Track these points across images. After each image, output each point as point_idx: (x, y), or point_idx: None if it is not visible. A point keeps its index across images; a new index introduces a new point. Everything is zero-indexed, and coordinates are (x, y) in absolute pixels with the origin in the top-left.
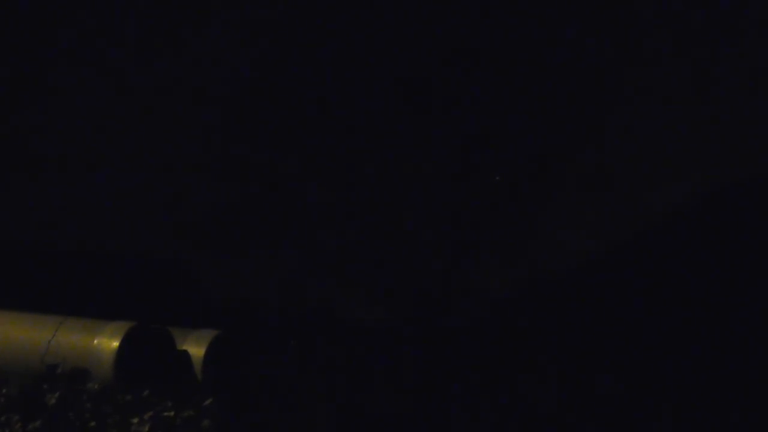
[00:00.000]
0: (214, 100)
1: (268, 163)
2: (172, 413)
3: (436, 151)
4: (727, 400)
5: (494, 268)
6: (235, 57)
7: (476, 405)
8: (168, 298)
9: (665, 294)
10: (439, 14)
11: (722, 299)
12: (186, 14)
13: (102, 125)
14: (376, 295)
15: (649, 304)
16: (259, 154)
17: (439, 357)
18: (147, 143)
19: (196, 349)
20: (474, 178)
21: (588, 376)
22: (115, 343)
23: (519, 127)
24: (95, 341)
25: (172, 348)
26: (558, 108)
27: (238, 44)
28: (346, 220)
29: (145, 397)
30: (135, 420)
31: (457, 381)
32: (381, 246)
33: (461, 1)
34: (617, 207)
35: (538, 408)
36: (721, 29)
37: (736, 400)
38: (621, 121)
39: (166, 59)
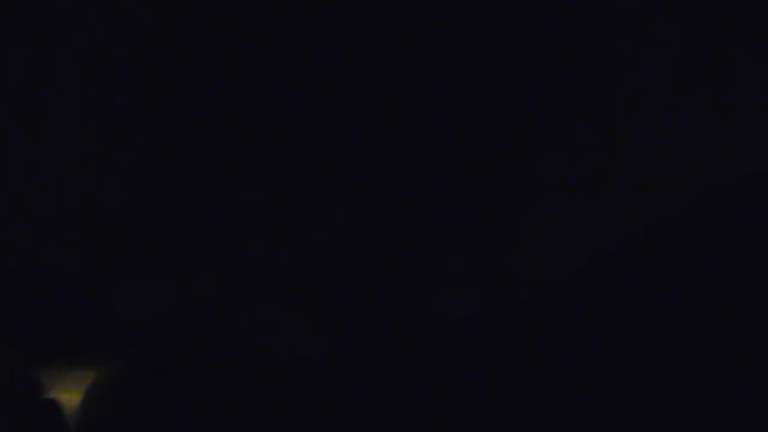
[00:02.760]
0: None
1: (174, 161)
2: None
3: (388, 141)
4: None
5: (464, 284)
6: (118, 57)
7: None
8: (41, 324)
9: (663, 317)
10: None
11: (726, 322)
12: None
13: None
14: (317, 321)
15: (644, 327)
16: (161, 151)
17: (394, 395)
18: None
19: (70, 395)
20: (438, 173)
21: (575, 410)
22: None
23: (491, 114)
24: None
25: (36, 394)
26: (536, 94)
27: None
28: (277, 228)
29: None
30: None
31: (421, 425)
32: (323, 259)
33: None
34: (609, 214)
35: None
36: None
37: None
38: (612, 113)
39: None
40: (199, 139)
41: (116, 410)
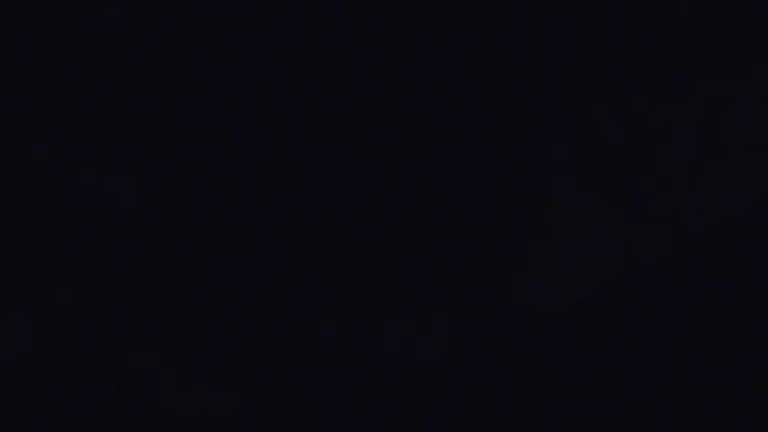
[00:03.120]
0: None
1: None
2: None
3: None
4: None
5: (428, 320)
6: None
7: None
8: None
9: (657, 368)
10: None
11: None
12: None
13: None
14: (230, 374)
15: (639, 378)
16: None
17: None
18: None
19: None
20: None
21: None
22: None
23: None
24: None
25: None
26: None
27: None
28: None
29: None
30: None
31: None
32: (243, 289)
33: None
34: (599, 252)
35: None
36: None
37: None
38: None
39: None
40: None
41: None
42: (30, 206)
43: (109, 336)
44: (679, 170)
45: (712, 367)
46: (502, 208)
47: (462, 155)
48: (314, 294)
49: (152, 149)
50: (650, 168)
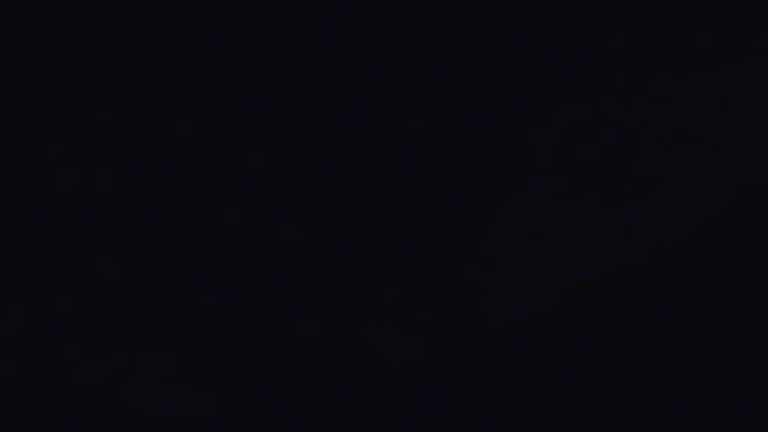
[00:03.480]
0: None
1: None
2: None
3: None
4: None
5: (404, 327)
6: None
7: None
8: None
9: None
10: None
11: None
12: None
13: None
14: (195, 373)
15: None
16: None
17: None
18: None
19: None
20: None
21: None
22: None
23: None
24: None
25: None
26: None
27: None
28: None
29: None
30: None
31: None
32: (205, 288)
33: None
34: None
35: None
36: None
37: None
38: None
39: None
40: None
41: None
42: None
43: (82, 337)
44: (661, 171)
45: (695, 370)
46: (480, 208)
47: (438, 154)
48: (290, 294)
49: (126, 147)
50: (632, 168)
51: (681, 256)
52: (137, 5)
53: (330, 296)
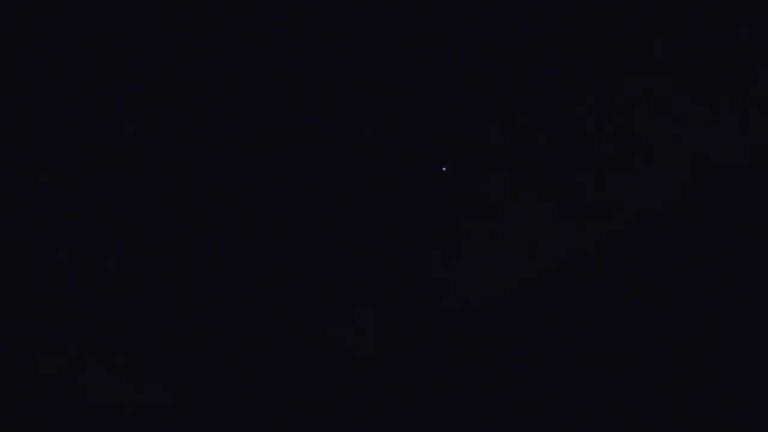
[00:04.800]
0: None
1: None
2: None
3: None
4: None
5: (359, 313)
6: None
7: None
8: None
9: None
10: None
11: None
12: None
13: None
14: (151, 366)
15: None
16: None
17: None
18: None
19: None
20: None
21: None
22: None
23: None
24: None
25: None
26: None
27: None
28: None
29: None
30: None
31: None
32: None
33: None
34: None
35: None
36: None
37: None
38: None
39: None
40: None
41: None
42: None
43: (40, 332)
44: (610, 162)
45: (652, 353)
46: (432, 199)
47: (391, 146)
48: (244, 288)
49: (79, 145)
50: (582, 160)
51: (637, 241)
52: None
53: (284, 289)
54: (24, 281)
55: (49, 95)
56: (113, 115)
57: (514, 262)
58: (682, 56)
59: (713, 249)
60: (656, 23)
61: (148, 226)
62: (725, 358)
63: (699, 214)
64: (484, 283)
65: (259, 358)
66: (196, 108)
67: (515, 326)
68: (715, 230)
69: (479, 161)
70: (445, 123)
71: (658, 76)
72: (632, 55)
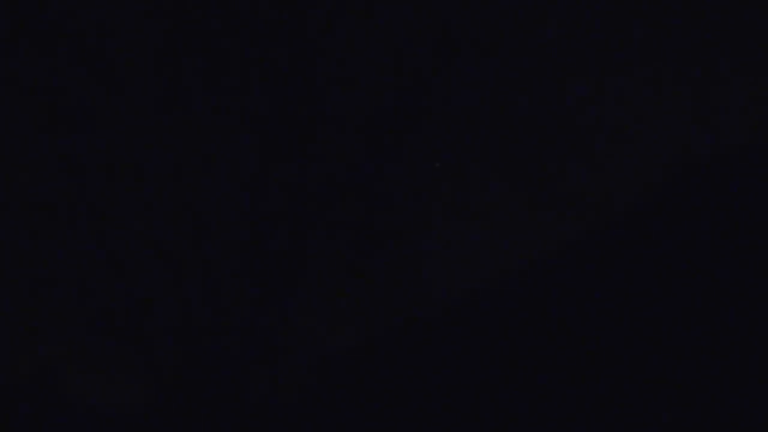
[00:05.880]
0: None
1: None
2: None
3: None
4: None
5: (332, 311)
6: None
7: None
8: None
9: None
10: None
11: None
12: None
13: None
14: (129, 363)
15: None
16: None
17: None
18: None
19: None
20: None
21: None
22: None
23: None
24: None
25: None
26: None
27: None
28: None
29: None
30: None
31: None
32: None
33: None
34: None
35: None
36: None
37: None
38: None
39: None
40: None
41: None
42: None
43: (17, 330)
44: (584, 153)
45: (617, 353)
46: (405, 193)
47: (364, 140)
48: (221, 284)
49: (54, 140)
50: (555, 152)
51: (614, 230)
52: None
53: (261, 284)
54: (2, 279)
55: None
56: (82, 110)
57: (488, 255)
58: (658, 49)
59: (688, 240)
60: (630, 16)
61: (124, 223)
62: (699, 345)
63: (674, 206)
64: (459, 275)
65: (234, 352)
66: (170, 101)
67: (489, 317)
68: (689, 221)
69: (453, 154)
70: (417, 115)
71: (632, 69)
72: (607, 48)
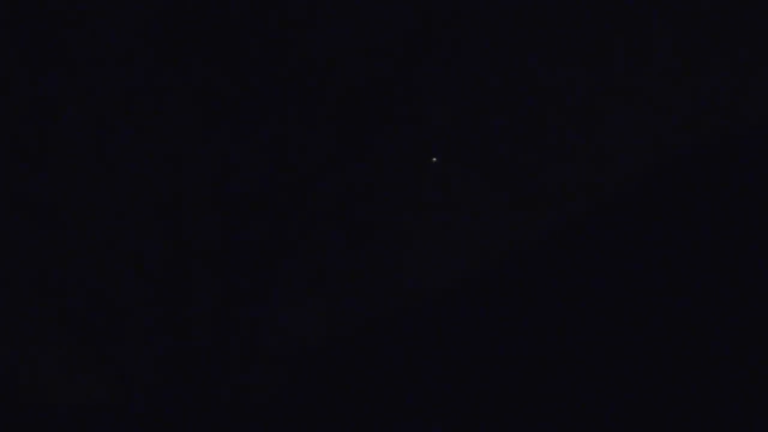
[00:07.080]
0: None
1: None
2: None
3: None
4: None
5: (310, 298)
6: None
7: None
8: None
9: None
10: None
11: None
12: None
13: None
14: (93, 360)
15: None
16: None
17: None
18: None
19: None
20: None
21: None
22: None
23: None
24: None
25: None
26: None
27: None
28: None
29: None
30: None
31: None
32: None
33: None
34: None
35: None
36: None
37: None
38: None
39: None
40: None
41: None
42: None
43: None
44: (561, 147)
45: (594, 347)
46: (382, 185)
47: (341, 134)
48: (191, 277)
49: (15, 141)
50: (532, 146)
51: (592, 223)
52: None
53: (237, 281)
54: None
55: None
56: (45, 107)
57: (466, 249)
58: (638, 44)
59: (667, 231)
60: (608, 10)
61: (87, 221)
62: (678, 337)
63: (650, 201)
64: (437, 270)
65: (210, 349)
66: (139, 96)
67: (467, 312)
68: (668, 212)
69: (431, 149)
70: (396, 110)
71: (612, 64)
72: (587, 42)
